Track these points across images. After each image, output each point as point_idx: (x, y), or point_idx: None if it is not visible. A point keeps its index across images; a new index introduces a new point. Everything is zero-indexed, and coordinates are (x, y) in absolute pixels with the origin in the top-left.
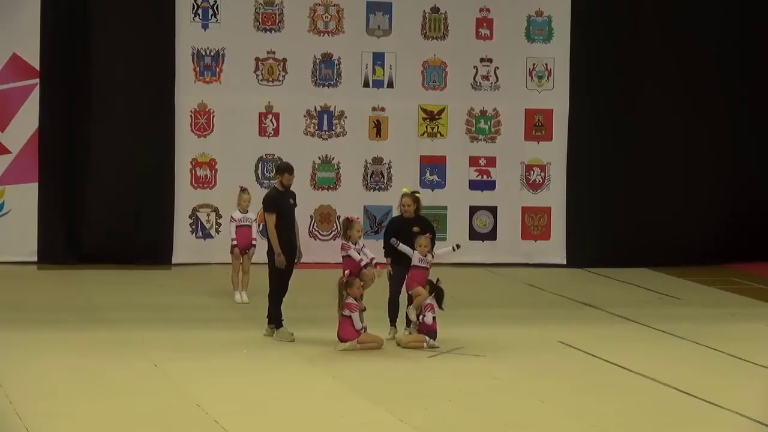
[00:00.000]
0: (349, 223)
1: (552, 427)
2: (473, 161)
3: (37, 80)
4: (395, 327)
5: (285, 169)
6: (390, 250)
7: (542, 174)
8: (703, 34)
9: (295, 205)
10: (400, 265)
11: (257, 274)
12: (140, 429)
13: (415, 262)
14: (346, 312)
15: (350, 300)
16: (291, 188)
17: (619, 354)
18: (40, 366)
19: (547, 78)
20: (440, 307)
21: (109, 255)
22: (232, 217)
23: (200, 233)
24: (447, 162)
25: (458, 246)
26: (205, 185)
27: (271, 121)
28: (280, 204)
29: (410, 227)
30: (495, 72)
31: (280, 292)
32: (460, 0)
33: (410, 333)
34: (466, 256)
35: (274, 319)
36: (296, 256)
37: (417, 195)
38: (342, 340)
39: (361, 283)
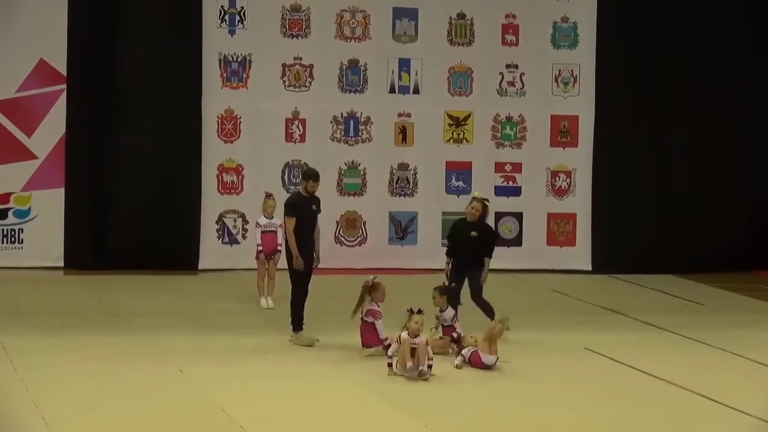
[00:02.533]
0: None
1: None
2: (499, 167)
3: (64, 86)
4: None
5: (310, 176)
6: (451, 251)
7: (568, 180)
8: (730, 38)
9: (319, 211)
10: (459, 263)
11: (283, 280)
12: None
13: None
14: (370, 318)
15: (374, 306)
16: (316, 195)
17: (644, 360)
18: (66, 371)
19: (573, 84)
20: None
21: (135, 260)
22: (257, 222)
23: (227, 239)
24: (473, 168)
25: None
26: (232, 191)
27: (297, 126)
28: (300, 209)
29: (469, 231)
30: (521, 78)
31: (299, 295)
32: (485, 6)
33: (436, 334)
34: (491, 262)
35: (295, 323)
36: (314, 260)
37: (486, 202)
38: (366, 345)
39: (384, 289)
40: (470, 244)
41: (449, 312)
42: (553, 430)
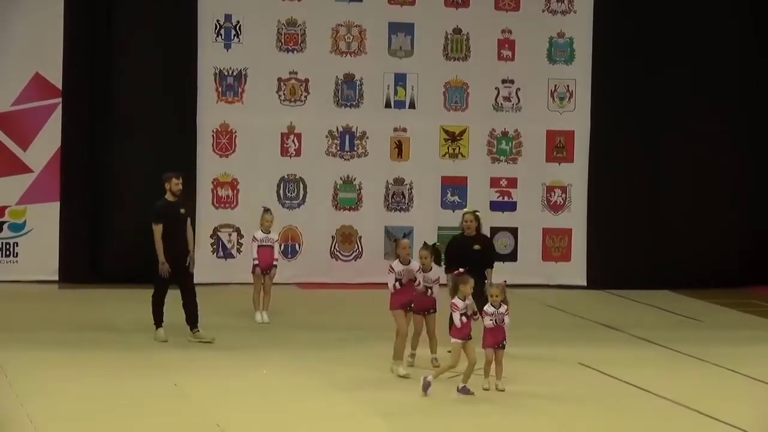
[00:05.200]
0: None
1: None
2: (494, 182)
3: (60, 99)
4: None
5: (171, 176)
6: (451, 268)
7: (563, 195)
8: (728, 52)
9: (188, 215)
10: None
11: (278, 295)
12: None
13: (390, 284)
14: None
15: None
16: (185, 198)
17: (639, 376)
18: (61, 386)
19: (569, 99)
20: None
21: (130, 274)
22: (254, 237)
23: (221, 253)
24: (468, 183)
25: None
26: (227, 205)
27: (293, 141)
28: (166, 214)
29: (471, 245)
30: (516, 93)
31: (158, 297)
32: (482, 21)
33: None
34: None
35: (155, 320)
36: (187, 262)
37: (477, 213)
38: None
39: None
40: (474, 258)
41: (434, 273)
42: None
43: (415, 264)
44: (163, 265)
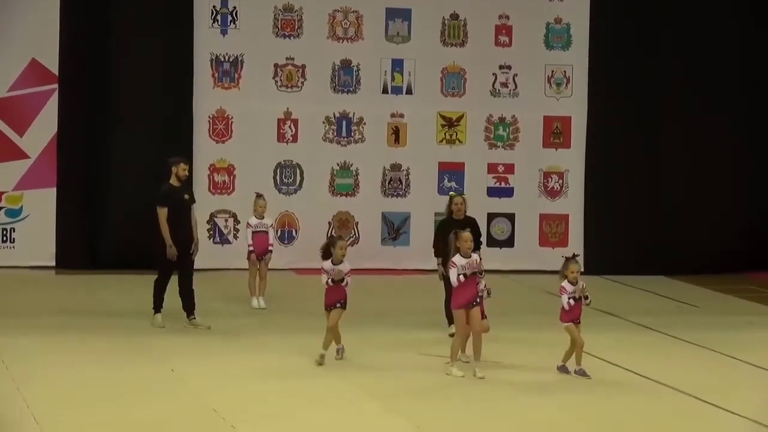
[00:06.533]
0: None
1: None
2: (491, 168)
3: (56, 85)
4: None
5: (180, 161)
6: (441, 251)
7: (560, 181)
8: (726, 38)
9: (193, 201)
10: None
11: (275, 280)
12: None
13: (453, 279)
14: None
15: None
16: (189, 184)
17: (637, 362)
18: (58, 370)
19: (566, 85)
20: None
21: (126, 260)
22: (248, 223)
23: (218, 239)
24: (465, 169)
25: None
26: (223, 191)
27: (289, 127)
28: (171, 199)
29: (463, 228)
30: (514, 79)
31: (163, 281)
32: (479, 7)
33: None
34: (483, 263)
35: (155, 305)
36: (191, 249)
37: (464, 196)
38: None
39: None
40: None
41: (345, 265)
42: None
43: (476, 256)
44: (171, 248)
